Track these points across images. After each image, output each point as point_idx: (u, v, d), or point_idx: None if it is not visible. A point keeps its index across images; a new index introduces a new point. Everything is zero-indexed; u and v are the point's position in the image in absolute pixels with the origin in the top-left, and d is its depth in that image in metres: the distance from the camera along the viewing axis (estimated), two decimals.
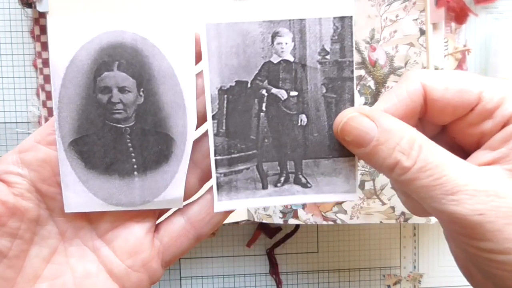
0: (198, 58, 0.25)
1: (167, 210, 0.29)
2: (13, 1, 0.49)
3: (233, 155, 0.26)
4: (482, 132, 0.23)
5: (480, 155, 0.23)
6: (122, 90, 0.23)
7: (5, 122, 0.50)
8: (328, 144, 0.27)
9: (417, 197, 0.23)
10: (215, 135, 0.26)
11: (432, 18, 0.43)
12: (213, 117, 0.26)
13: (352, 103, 0.26)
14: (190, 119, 0.25)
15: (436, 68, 0.45)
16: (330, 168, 0.27)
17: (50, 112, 0.48)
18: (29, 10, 0.48)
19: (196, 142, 0.27)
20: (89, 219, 0.27)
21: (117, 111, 0.24)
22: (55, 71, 0.23)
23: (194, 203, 0.28)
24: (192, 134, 0.26)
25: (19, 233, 0.25)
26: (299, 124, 0.27)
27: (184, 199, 0.28)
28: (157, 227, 0.29)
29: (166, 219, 0.29)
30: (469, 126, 0.24)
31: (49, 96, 0.47)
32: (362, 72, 0.44)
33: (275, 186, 0.27)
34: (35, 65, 0.49)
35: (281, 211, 0.46)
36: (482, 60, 0.52)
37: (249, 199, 0.27)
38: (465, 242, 0.22)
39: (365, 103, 0.44)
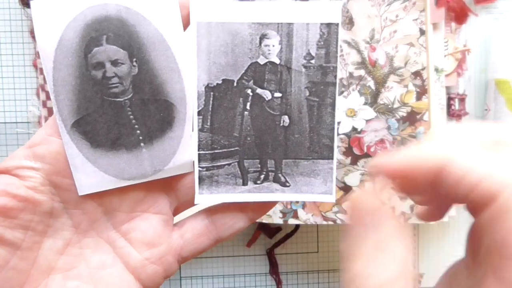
0: (186, 22, 0.25)
1: (185, 207, 0.29)
2: (13, 1, 0.49)
3: (216, 151, 0.27)
4: None
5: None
6: (115, 63, 0.23)
7: (5, 122, 0.50)
8: (308, 146, 0.28)
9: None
10: (200, 130, 0.27)
11: (432, 18, 0.43)
12: (199, 113, 0.27)
13: (333, 108, 0.27)
14: (187, 81, 0.25)
15: (436, 68, 0.45)
16: (309, 169, 0.28)
17: (50, 112, 0.48)
18: (29, 10, 0.48)
19: None
20: (104, 210, 0.27)
21: (113, 85, 0.23)
22: (44, 55, 0.22)
23: (220, 207, 0.29)
24: (192, 96, 0.26)
25: (32, 225, 0.25)
26: (281, 124, 0.28)
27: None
28: (181, 223, 0.29)
29: (191, 216, 0.29)
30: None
31: (49, 96, 0.47)
32: (362, 72, 0.44)
33: (255, 183, 0.28)
34: (35, 65, 0.49)
35: (281, 211, 0.46)
36: (482, 60, 0.51)
37: (229, 194, 0.27)
38: None
39: (365, 103, 0.44)
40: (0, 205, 0.24)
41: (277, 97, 0.27)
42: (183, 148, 0.25)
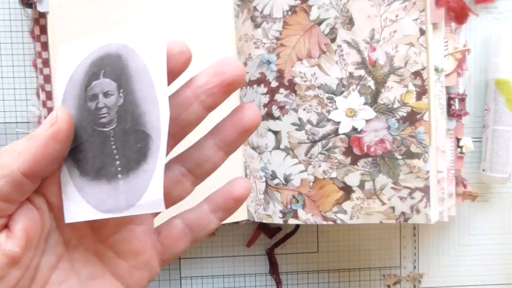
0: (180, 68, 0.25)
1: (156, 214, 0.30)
2: (13, 1, 0.49)
3: None
4: None
5: None
6: (106, 94, 0.24)
7: (5, 122, 0.50)
8: None
9: None
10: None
11: (432, 18, 0.43)
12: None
13: None
14: (163, 112, 0.23)
15: (436, 68, 0.45)
16: None
17: (50, 112, 0.48)
18: (29, 10, 0.48)
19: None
20: (91, 226, 0.28)
21: (102, 115, 0.24)
22: (57, 89, 0.25)
23: (191, 211, 0.30)
24: (166, 127, 0.24)
25: (38, 245, 0.26)
26: None
27: (177, 201, 0.29)
28: (158, 229, 0.30)
29: (166, 222, 0.30)
30: None
31: (49, 96, 0.47)
32: (362, 72, 0.44)
33: None
34: (35, 65, 0.49)
35: (281, 211, 0.46)
36: (482, 60, 0.51)
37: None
38: None
39: (365, 103, 0.44)
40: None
41: None
42: (155, 183, 0.23)
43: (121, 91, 0.24)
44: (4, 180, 0.23)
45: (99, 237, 0.28)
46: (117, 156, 0.24)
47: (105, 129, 0.24)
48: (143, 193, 0.23)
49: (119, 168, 0.24)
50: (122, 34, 0.24)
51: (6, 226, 0.24)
